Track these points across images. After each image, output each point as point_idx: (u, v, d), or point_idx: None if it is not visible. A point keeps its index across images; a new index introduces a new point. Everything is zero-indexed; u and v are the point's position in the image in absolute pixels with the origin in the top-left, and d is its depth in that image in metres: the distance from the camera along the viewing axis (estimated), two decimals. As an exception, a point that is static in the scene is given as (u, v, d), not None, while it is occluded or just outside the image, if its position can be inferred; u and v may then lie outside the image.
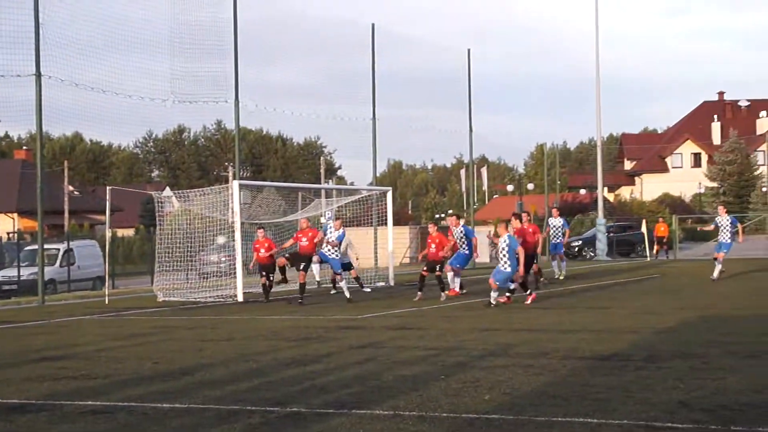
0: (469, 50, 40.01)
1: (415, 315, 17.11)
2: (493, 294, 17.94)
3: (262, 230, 23.14)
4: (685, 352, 10.94)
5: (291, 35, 33.25)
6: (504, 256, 17.74)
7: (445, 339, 13.00)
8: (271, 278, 22.04)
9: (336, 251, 21.65)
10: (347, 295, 20.66)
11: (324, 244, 21.44)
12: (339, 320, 16.50)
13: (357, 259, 24.39)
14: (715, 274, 24.63)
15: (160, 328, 16.18)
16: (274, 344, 13.01)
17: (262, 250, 22.33)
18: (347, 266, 23.60)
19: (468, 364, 10.41)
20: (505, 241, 17.68)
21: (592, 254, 44.76)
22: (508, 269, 17.68)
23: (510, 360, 10.68)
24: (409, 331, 14.30)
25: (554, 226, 26.49)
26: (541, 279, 23.41)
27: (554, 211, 27.42)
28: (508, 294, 18.39)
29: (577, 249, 44.74)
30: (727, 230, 24.71)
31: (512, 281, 18.27)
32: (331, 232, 22.37)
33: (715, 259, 24.97)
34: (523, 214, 24.61)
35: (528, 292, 18.73)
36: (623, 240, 45.95)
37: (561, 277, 25.98)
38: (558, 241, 26.33)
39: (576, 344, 11.90)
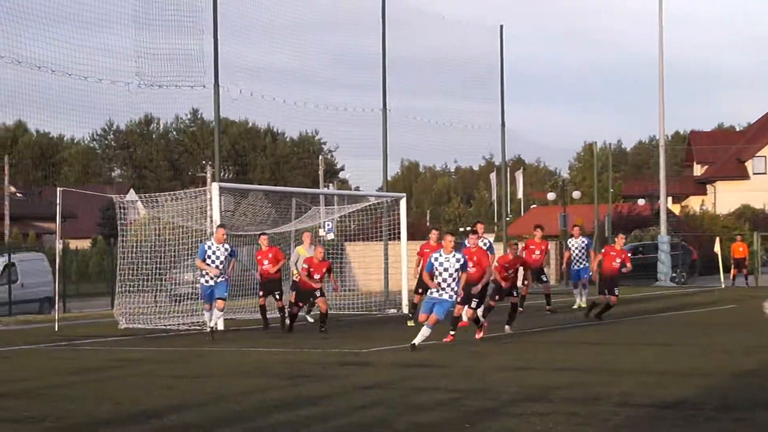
0: (501, 27, 40.04)
1: (433, 349, 17.08)
2: (424, 331, 16.93)
3: (265, 237, 22.33)
4: (768, 400, 10.95)
5: (284, 7, 33.27)
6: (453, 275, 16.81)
7: (470, 379, 13.01)
8: (282, 299, 21.18)
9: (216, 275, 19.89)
10: (210, 325, 19.98)
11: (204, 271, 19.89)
12: (340, 354, 16.51)
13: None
14: None
15: (121, 361, 16.18)
16: (260, 383, 13.02)
17: (266, 262, 21.42)
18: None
19: (498, 411, 10.42)
20: (459, 261, 16.85)
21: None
22: (453, 296, 16.94)
23: (550, 406, 10.67)
24: (427, 368, 14.31)
25: (576, 248, 26.71)
26: (547, 308, 24.71)
27: (575, 230, 27.71)
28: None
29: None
30: None
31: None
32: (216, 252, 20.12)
33: None
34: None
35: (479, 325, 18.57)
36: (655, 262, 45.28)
37: (581, 305, 26.12)
38: (581, 266, 26.61)
39: (632, 388, 11.88)
